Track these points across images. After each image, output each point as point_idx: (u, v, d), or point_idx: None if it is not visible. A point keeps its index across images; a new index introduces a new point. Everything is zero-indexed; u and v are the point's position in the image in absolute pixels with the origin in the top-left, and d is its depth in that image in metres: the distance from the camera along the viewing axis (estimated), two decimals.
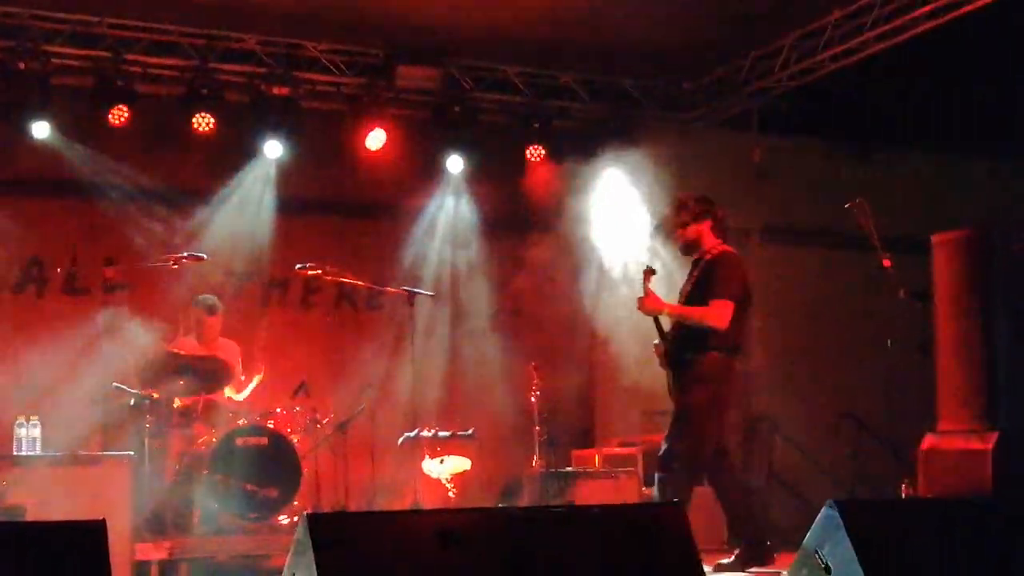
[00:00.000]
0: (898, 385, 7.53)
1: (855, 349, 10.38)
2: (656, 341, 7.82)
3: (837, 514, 5.54)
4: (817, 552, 5.61)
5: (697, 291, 7.67)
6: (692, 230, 7.79)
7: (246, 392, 9.52)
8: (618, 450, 10.55)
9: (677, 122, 11.81)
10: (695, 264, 7.83)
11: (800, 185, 11.88)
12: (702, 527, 9.38)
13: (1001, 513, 5.97)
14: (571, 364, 11.33)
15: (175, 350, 9.08)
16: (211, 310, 9.46)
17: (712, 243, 7.78)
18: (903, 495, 8.98)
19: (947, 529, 5.66)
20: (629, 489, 9.64)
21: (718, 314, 7.50)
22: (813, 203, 11.49)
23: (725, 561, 7.62)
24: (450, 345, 10.65)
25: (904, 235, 9.25)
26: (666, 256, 11.62)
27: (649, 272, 7.72)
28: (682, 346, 7.65)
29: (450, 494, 9.75)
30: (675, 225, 7.88)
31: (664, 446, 7.67)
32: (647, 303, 7.66)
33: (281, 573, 4.87)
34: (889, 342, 7.34)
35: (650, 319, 7.74)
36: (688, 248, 7.88)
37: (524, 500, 9.75)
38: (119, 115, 9.83)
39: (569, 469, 9.98)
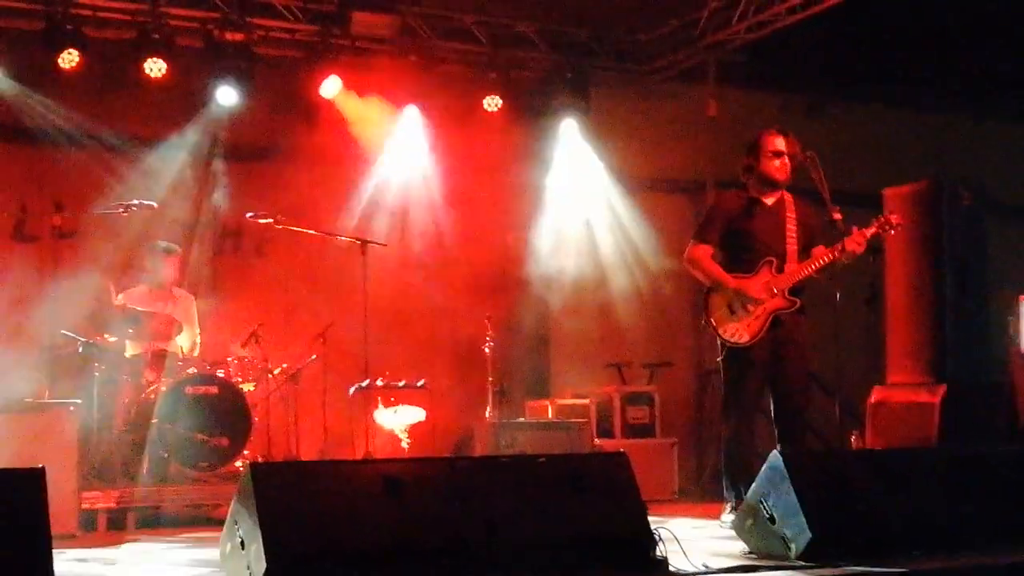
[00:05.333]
0: (846, 338, 7.56)
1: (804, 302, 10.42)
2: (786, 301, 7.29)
3: (782, 464, 5.61)
4: (762, 502, 5.67)
5: (805, 236, 7.39)
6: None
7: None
8: (572, 401, 10.58)
9: (633, 74, 11.78)
10: (775, 203, 7.45)
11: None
12: (655, 477, 9.55)
13: (943, 462, 6.06)
14: (526, 315, 11.33)
15: (124, 304, 8.99)
16: (168, 253, 9.41)
17: None
18: (853, 447, 9.08)
19: (889, 478, 5.72)
20: (582, 440, 9.68)
21: None
22: None
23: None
24: (403, 295, 10.58)
25: (857, 190, 9.29)
26: (622, 210, 11.67)
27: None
28: (798, 298, 7.33)
29: (404, 445, 9.76)
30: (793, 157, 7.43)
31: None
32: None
33: None
34: (838, 295, 7.34)
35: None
36: (787, 179, 7.48)
37: (477, 451, 9.78)
38: (69, 60, 9.65)
39: (522, 420, 10.01)
